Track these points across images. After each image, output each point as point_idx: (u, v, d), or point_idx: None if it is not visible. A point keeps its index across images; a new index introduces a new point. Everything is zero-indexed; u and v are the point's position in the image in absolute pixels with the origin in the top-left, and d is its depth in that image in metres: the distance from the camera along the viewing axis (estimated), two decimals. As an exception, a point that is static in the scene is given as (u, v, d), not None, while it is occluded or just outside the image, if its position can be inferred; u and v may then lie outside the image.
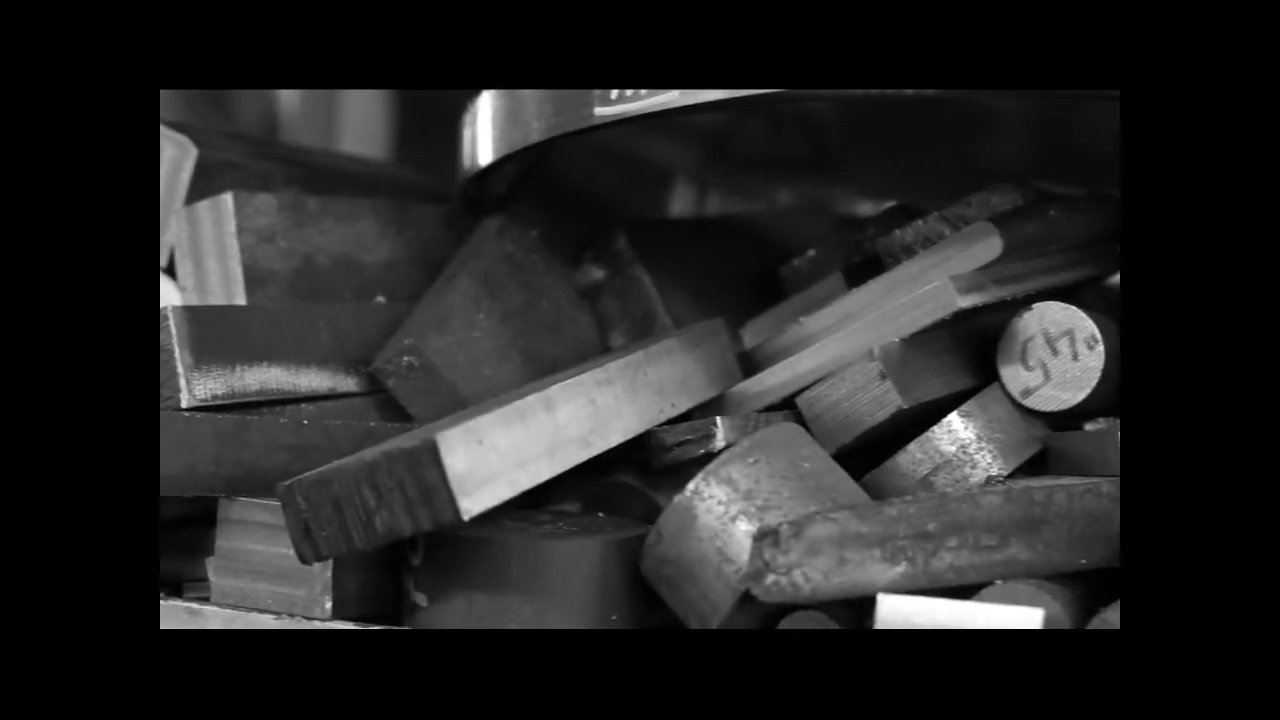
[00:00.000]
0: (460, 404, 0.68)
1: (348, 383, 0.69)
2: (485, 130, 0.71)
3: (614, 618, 0.61)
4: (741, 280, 0.77)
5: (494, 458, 0.58)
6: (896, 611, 0.56)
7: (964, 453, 0.65)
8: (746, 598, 0.58)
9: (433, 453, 0.56)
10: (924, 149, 0.91)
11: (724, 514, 0.60)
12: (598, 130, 0.67)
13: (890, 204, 0.75)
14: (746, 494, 0.60)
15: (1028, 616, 0.56)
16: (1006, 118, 0.91)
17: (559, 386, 0.61)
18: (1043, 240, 0.67)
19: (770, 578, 0.57)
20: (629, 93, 0.65)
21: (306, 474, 0.58)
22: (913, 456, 0.65)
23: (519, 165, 0.74)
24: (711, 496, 0.60)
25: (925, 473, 0.65)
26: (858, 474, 0.64)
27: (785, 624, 0.58)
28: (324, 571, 0.61)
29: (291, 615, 0.61)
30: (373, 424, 0.67)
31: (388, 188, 0.79)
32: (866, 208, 0.92)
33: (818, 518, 0.57)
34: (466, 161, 0.73)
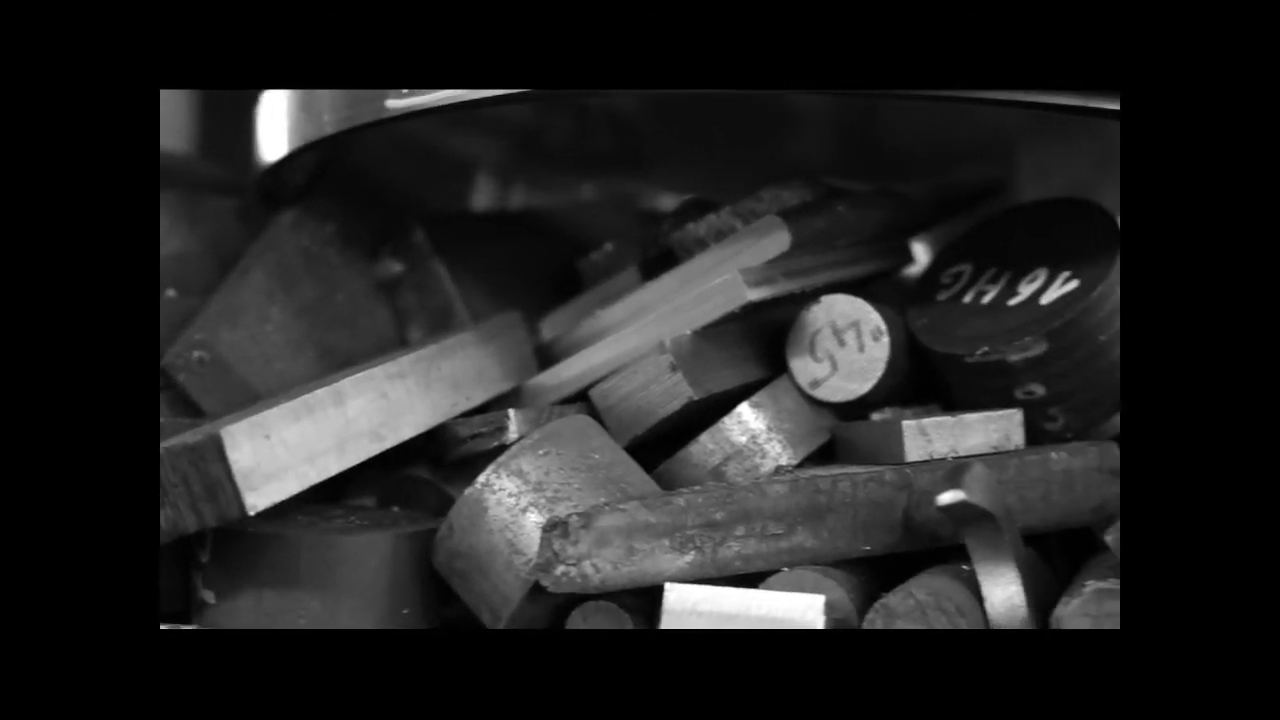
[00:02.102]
0: (252, 399, 0.67)
1: (138, 378, 0.68)
2: (279, 123, 0.71)
3: (405, 611, 0.61)
4: (541, 274, 0.77)
5: (281, 452, 0.58)
6: (683, 600, 0.57)
7: (754, 443, 0.66)
8: (537, 589, 0.58)
9: (217, 447, 0.56)
10: (730, 145, 0.92)
11: (514, 506, 0.60)
12: (392, 123, 0.67)
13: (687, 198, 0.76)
14: (537, 485, 0.60)
15: (810, 603, 0.57)
16: (811, 114, 0.92)
17: (349, 380, 0.61)
18: (831, 234, 0.69)
19: (560, 569, 0.57)
20: (422, 85, 0.65)
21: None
22: (704, 447, 0.66)
23: (317, 157, 0.74)
24: (502, 489, 0.60)
25: (717, 463, 0.65)
26: (651, 465, 0.65)
27: (576, 614, 0.59)
28: (110, 570, 0.60)
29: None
30: (163, 420, 0.66)
31: (180, 180, 0.78)
32: (671, 202, 0.92)
33: (607, 508, 0.58)
34: (260, 154, 0.72)
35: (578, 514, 0.57)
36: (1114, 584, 0.57)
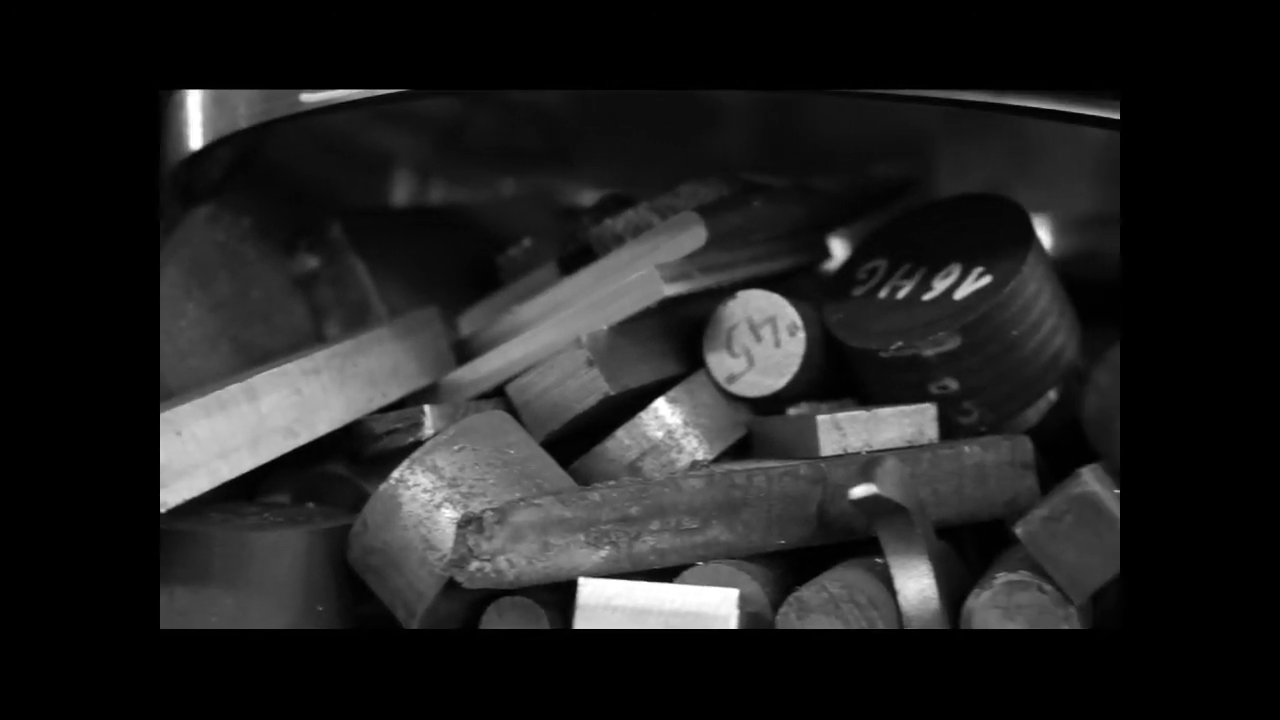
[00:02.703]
0: (166, 395, 0.67)
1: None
2: (193, 116, 0.70)
3: (320, 609, 0.61)
4: (459, 269, 0.77)
5: (193, 448, 0.57)
6: (596, 595, 0.57)
7: (671, 438, 0.66)
8: (451, 585, 0.58)
9: (127, 444, 0.55)
10: (654, 140, 0.92)
11: (429, 501, 0.60)
12: (309, 117, 0.66)
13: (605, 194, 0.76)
14: (451, 481, 0.60)
15: (724, 596, 0.57)
16: (734, 110, 0.93)
17: (262, 376, 0.61)
18: (747, 230, 0.69)
19: (474, 564, 0.57)
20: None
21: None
22: (620, 442, 0.66)
23: (232, 152, 0.73)
24: (416, 484, 0.60)
25: (633, 458, 0.66)
26: (568, 461, 0.65)
27: (491, 610, 0.59)
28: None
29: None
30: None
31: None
32: (591, 198, 0.92)
33: (522, 504, 0.58)
34: (173, 148, 0.72)
35: (492, 509, 0.57)
36: (1024, 576, 0.57)
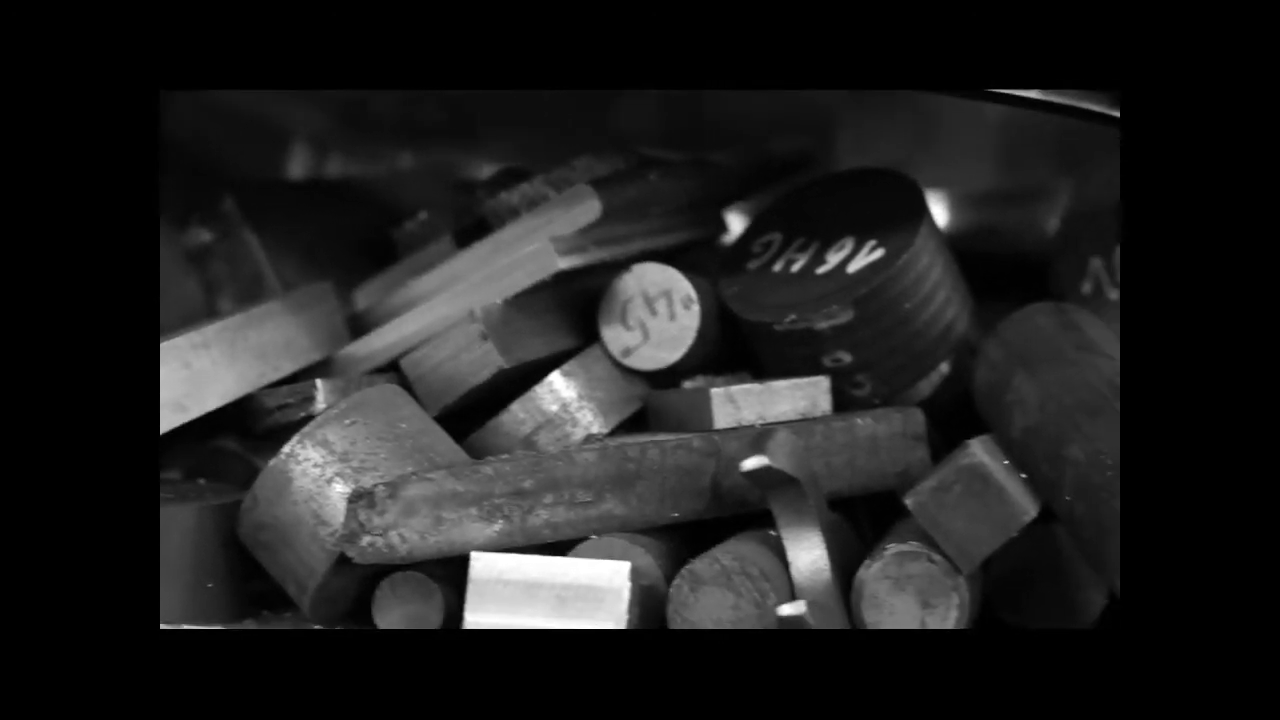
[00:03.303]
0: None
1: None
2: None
3: (210, 585, 0.60)
4: (355, 243, 0.77)
5: (79, 424, 0.56)
6: (488, 569, 0.57)
7: (566, 411, 0.66)
8: (343, 560, 0.58)
9: (11, 419, 0.54)
10: (556, 114, 0.92)
11: (320, 476, 0.59)
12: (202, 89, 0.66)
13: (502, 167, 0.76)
14: (343, 455, 0.60)
15: (617, 569, 0.57)
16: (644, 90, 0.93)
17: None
18: (643, 203, 0.69)
19: (366, 539, 0.57)
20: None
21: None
22: (515, 416, 0.66)
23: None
24: (307, 459, 0.59)
25: (528, 431, 0.66)
26: (462, 435, 0.65)
27: (384, 585, 0.58)
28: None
29: None
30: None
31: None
32: (490, 172, 0.92)
33: (414, 478, 0.58)
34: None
35: (384, 484, 0.57)
36: (914, 546, 0.58)
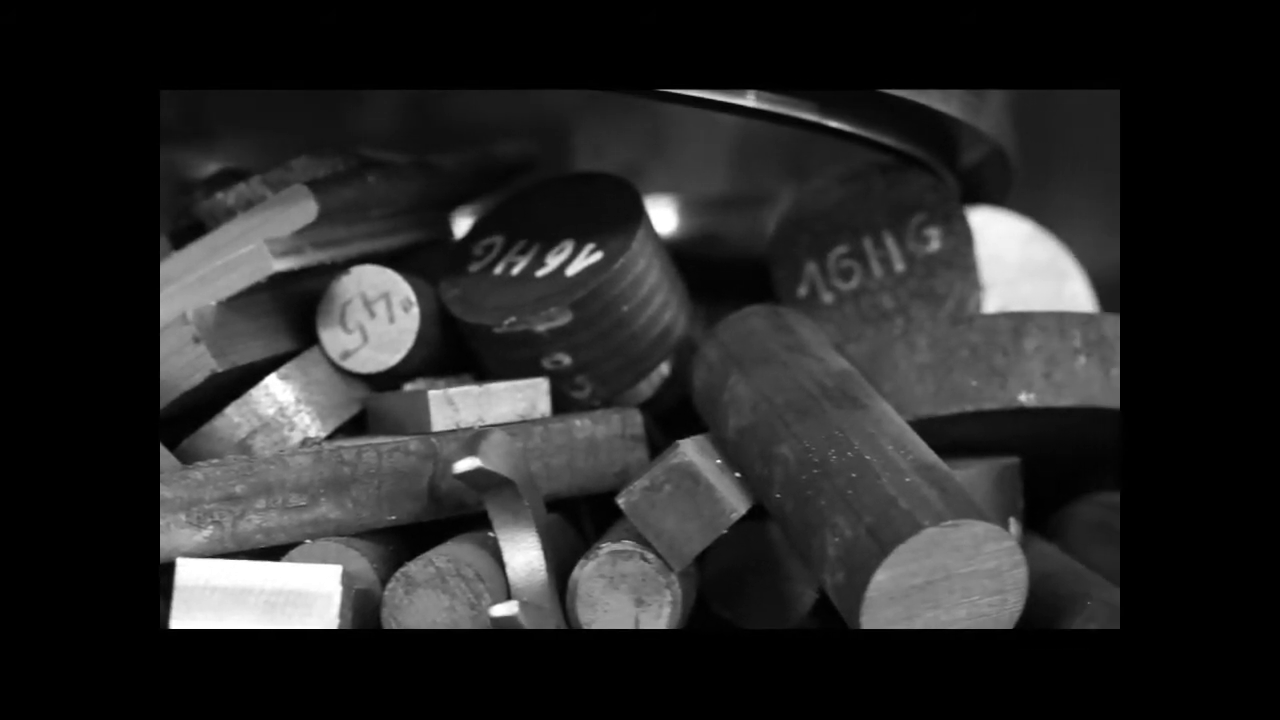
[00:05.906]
0: None
1: None
2: None
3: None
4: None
5: None
6: (195, 575, 0.56)
7: (283, 414, 0.65)
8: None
9: None
10: (292, 116, 0.91)
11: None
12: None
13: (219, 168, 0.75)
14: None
15: (328, 574, 0.56)
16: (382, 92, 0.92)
17: None
18: (363, 205, 0.68)
19: (68, 547, 0.56)
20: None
21: None
22: (230, 420, 0.64)
23: None
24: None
25: (243, 435, 0.65)
26: (176, 440, 0.64)
27: (88, 594, 0.57)
28: None
29: None
30: None
31: None
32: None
33: (119, 484, 0.56)
34: None
35: (87, 490, 0.56)
36: (627, 545, 0.58)
